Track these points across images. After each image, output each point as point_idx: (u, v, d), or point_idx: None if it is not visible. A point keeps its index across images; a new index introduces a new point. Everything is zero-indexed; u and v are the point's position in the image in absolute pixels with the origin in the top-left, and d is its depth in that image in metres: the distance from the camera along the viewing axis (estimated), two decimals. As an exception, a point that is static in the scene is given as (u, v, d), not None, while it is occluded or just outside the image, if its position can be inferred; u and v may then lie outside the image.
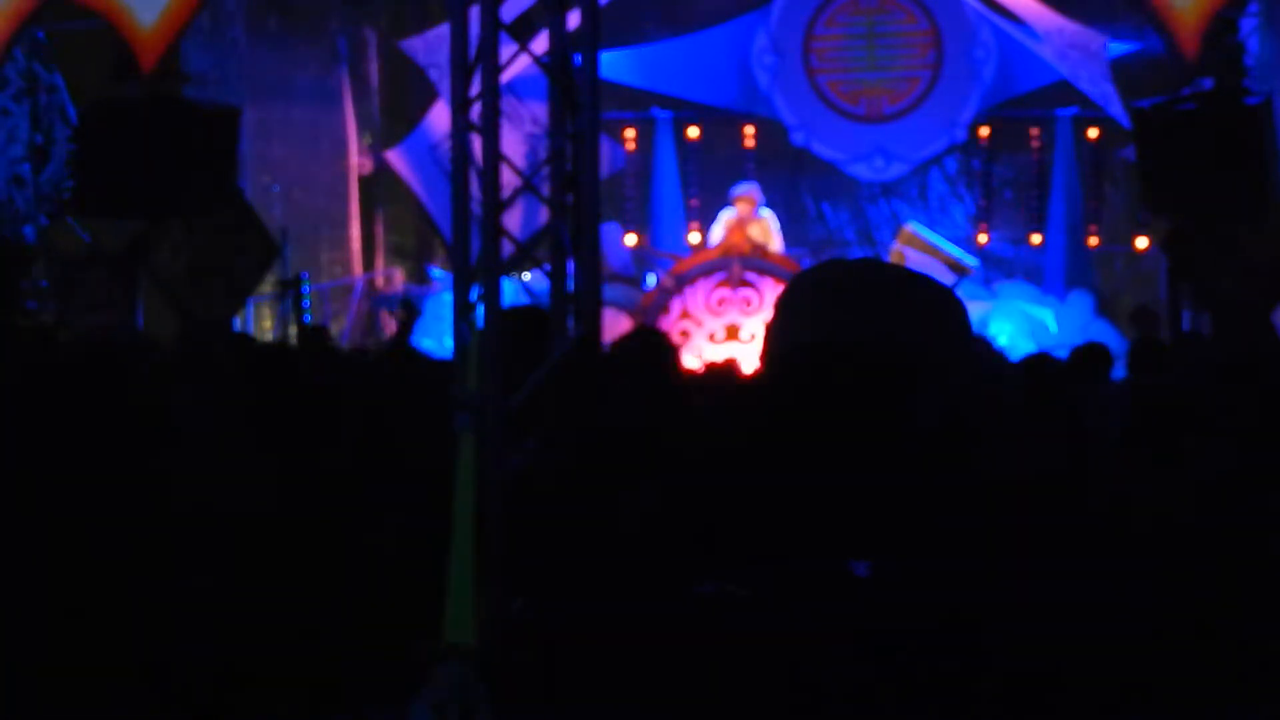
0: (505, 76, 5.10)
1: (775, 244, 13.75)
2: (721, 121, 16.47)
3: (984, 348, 6.90)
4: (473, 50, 5.08)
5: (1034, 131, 16.00)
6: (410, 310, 11.00)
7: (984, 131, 16.08)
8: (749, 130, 16.34)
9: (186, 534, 4.37)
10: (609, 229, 13.23)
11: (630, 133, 16.25)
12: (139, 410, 4.79)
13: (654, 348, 5.26)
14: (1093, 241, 15.75)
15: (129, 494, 4.37)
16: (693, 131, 16.30)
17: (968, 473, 1.41)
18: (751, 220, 13.70)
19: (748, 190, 13.87)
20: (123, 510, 4.30)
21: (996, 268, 15.82)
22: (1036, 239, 15.96)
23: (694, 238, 15.97)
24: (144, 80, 11.49)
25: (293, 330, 13.01)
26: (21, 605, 4.16)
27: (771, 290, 12.58)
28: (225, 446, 4.62)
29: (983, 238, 16.04)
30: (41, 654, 4.14)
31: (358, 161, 15.69)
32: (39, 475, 4.28)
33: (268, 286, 13.71)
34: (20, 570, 4.15)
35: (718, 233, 13.86)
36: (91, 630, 4.23)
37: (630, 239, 15.61)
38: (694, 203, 16.27)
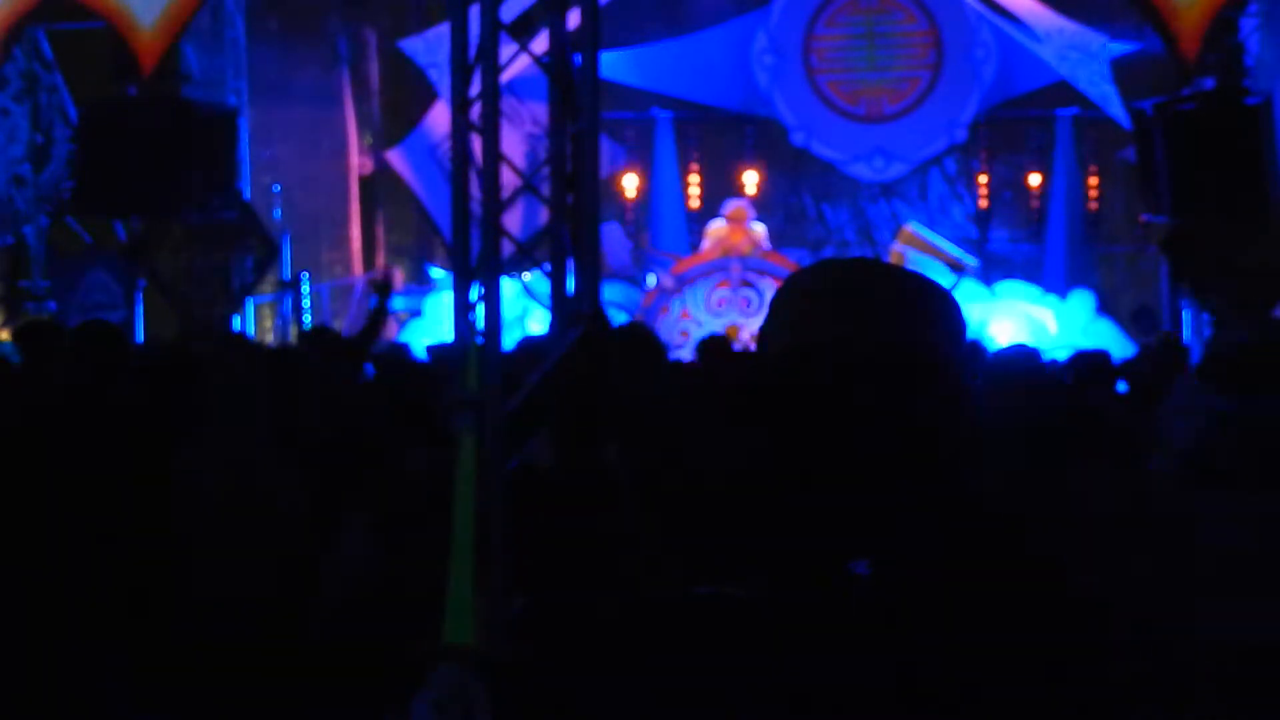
0: (505, 76, 5.10)
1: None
2: (721, 121, 16.47)
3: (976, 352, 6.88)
4: (473, 50, 5.08)
5: (1034, 131, 16.01)
6: (382, 288, 9.34)
7: (984, 131, 16.08)
8: (749, 131, 16.35)
9: (189, 530, 4.37)
10: (609, 229, 13.22)
11: (630, 132, 16.26)
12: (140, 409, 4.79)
13: (643, 344, 5.26)
14: (1092, 240, 15.76)
15: (136, 491, 4.37)
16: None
17: (966, 473, 1.41)
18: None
19: (738, 205, 14.04)
20: (129, 507, 4.30)
21: (997, 268, 15.81)
22: (1036, 239, 15.96)
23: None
24: (144, 80, 11.50)
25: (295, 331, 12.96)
26: (26, 602, 4.16)
27: (771, 290, 12.55)
28: (228, 444, 4.61)
29: (983, 203, 16.01)
30: (43, 647, 4.14)
31: (358, 161, 15.69)
32: (44, 474, 4.28)
33: (268, 286, 13.71)
34: (25, 567, 4.15)
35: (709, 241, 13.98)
36: (96, 621, 4.24)
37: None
38: (694, 203, 16.27)
